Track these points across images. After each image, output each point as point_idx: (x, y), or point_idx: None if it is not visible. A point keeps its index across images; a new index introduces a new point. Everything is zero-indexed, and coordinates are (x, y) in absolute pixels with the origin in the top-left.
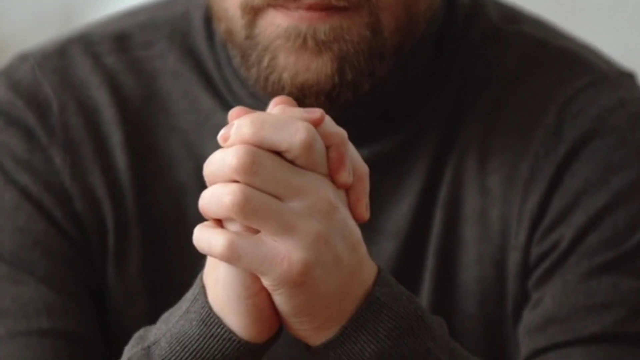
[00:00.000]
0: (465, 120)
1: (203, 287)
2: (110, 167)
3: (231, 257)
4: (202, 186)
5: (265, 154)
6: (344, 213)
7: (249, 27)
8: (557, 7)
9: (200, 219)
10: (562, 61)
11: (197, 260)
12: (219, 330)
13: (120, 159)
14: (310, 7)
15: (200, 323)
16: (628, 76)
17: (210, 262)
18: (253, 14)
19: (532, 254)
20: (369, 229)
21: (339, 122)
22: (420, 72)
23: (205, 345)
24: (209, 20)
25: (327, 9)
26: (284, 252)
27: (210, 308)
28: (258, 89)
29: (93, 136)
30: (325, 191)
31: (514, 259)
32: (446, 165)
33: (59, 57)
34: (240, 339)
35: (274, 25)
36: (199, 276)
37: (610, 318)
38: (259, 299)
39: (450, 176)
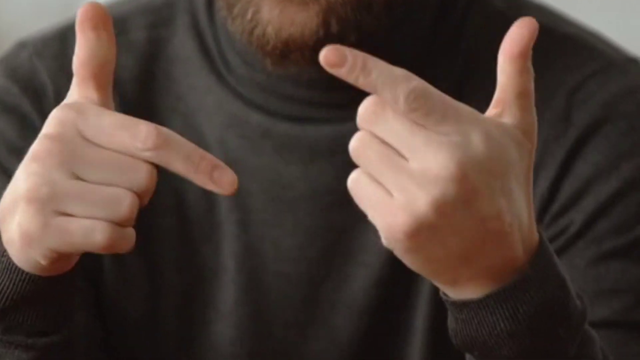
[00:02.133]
0: (471, 103)
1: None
2: None
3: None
4: None
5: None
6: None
7: None
8: None
9: (199, 200)
10: (570, 47)
11: (197, 241)
12: (22, 275)
13: None
14: None
15: (5, 271)
16: (635, 62)
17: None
18: None
19: None
20: None
21: (331, 88)
22: (418, 44)
23: None
24: None
25: None
26: (396, 207)
27: (8, 255)
28: (244, 43)
29: None
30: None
31: None
32: None
33: (58, 43)
34: (39, 277)
35: None
36: None
37: (618, 304)
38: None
39: None
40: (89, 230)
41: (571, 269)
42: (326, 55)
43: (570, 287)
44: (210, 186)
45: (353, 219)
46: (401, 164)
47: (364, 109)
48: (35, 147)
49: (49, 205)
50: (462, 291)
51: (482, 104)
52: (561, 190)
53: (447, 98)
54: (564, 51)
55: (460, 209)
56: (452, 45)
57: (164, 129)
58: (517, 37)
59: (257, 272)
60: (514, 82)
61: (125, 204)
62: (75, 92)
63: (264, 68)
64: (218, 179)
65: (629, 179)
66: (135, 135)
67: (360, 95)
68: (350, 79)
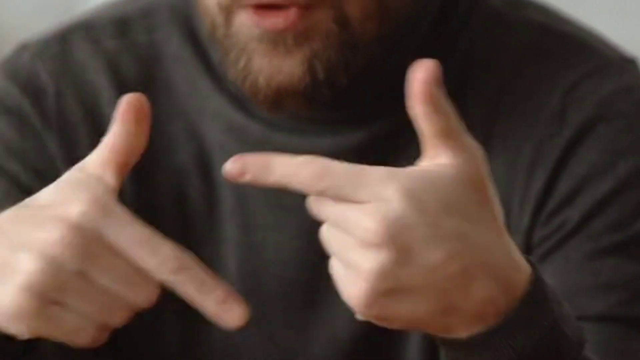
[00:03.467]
0: (468, 104)
1: None
2: None
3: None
4: (203, 169)
5: None
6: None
7: (225, 25)
8: None
9: (201, 201)
10: (567, 46)
11: (198, 242)
12: None
13: None
14: (271, 6)
15: None
16: (631, 62)
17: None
18: (227, 12)
19: (535, 236)
20: None
21: (330, 108)
22: (418, 50)
23: None
24: None
25: (290, 5)
26: (348, 282)
27: None
28: (239, 88)
29: (91, 120)
30: None
31: (515, 242)
32: None
33: (59, 43)
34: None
35: (247, 26)
36: None
37: (614, 298)
38: None
39: None
40: (78, 327)
41: (567, 262)
42: (228, 171)
43: (563, 324)
44: (217, 318)
45: None
46: (346, 240)
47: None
48: (55, 231)
49: (49, 294)
50: (452, 334)
51: (482, 104)
52: (557, 189)
53: (351, 167)
54: (560, 50)
55: (403, 267)
56: (451, 47)
57: (185, 255)
58: (417, 85)
59: (258, 275)
60: (429, 125)
61: (120, 315)
62: (94, 166)
63: None
64: (226, 311)
65: (625, 178)
66: (155, 256)
67: (360, 113)
68: (259, 182)
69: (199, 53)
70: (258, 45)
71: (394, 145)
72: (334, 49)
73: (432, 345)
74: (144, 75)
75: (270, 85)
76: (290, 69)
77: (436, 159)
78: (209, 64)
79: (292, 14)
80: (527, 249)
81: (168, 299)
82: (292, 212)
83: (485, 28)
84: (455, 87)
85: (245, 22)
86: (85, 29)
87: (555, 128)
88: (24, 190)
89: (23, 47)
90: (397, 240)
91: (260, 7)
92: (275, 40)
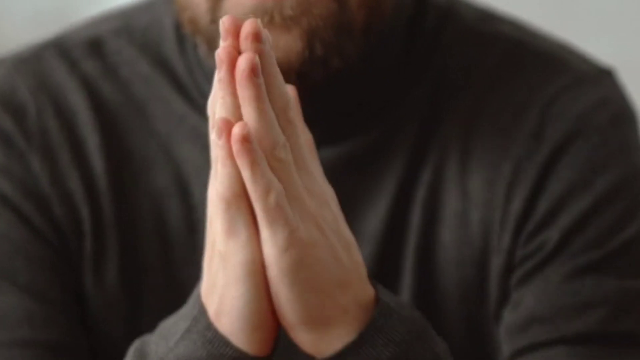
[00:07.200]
0: (444, 121)
1: (202, 306)
2: (87, 171)
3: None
4: (181, 190)
5: None
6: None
7: (213, 10)
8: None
9: (180, 222)
10: (542, 61)
11: (178, 264)
12: (227, 350)
13: (98, 163)
14: None
15: (207, 344)
16: (607, 74)
17: (209, 282)
18: None
19: (517, 256)
20: None
21: (306, 121)
22: (391, 67)
23: None
24: (179, 26)
25: None
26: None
27: (215, 329)
28: None
29: (70, 140)
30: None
31: (496, 261)
32: (424, 165)
33: (35, 61)
34: (248, 354)
35: (239, 5)
36: (195, 292)
37: (594, 317)
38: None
39: (429, 177)
40: None
41: (547, 284)
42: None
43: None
44: None
45: None
46: None
47: None
48: None
49: None
50: (334, 339)
51: (458, 121)
52: (536, 209)
53: None
54: (536, 65)
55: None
56: (425, 61)
57: None
58: None
59: None
60: None
61: None
62: None
63: None
64: None
65: (602, 195)
66: None
67: (336, 130)
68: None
69: (169, 75)
70: None
71: (371, 161)
72: (332, 29)
73: (420, 302)
74: (119, 97)
75: None
76: (287, 44)
77: None
78: (179, 85)
79: None
80: (508, 269)
81: (146, 318)
82: None
83: (458, 43)
84: (430, 105)
85: (237, 2)
86: (59, 48)
87: (533, 145)
88: (13, 209)
89: None
90: None
91: None
92: (270, 11)
